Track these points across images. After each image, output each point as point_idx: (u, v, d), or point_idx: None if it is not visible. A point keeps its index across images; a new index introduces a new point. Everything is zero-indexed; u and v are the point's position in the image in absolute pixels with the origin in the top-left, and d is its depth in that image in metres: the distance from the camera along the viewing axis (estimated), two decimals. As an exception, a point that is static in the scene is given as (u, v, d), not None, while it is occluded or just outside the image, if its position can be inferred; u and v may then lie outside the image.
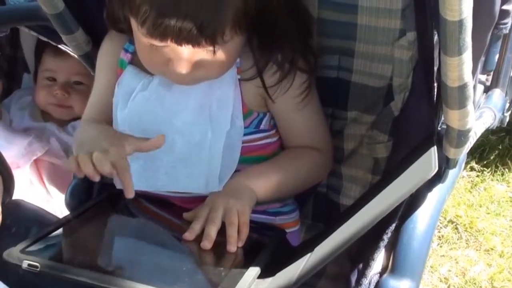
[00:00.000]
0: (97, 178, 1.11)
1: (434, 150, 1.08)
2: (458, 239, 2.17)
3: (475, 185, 2.37)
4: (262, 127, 1.29)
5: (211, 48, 1.12)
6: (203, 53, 1.13)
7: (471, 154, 2.41)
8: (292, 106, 1.25)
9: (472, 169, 2.42)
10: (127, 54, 1.29)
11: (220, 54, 1.14)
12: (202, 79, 1.20)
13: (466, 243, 2.15)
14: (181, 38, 1.09)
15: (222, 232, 1.14)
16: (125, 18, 1.19)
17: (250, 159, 1.28)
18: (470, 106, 1.02)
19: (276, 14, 1.18)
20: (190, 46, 1.11)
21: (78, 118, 1.98)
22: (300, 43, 1.24)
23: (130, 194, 1.13)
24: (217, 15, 1.09)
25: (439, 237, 2.15)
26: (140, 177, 1.23)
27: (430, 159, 1.06)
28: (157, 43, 1.12)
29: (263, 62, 1.21)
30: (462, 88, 0.97)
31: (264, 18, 1.16)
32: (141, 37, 1.15)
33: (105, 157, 1.10)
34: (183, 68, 1.13)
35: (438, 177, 1.19)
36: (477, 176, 2.40)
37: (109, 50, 1.34)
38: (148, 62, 1.21)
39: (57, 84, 2.00)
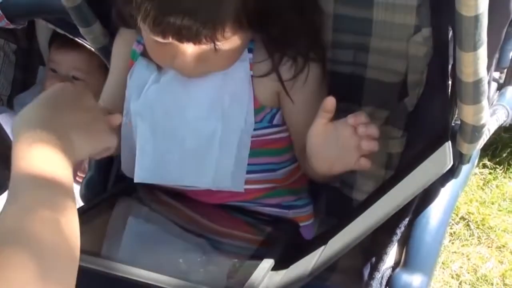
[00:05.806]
0: None
1: (448, 145, 1.09)
2: (470, 236, 2.16)
3: (488, 182, 2.37)
4: (275, 122, 1.29)
5: (212, 44, 1.12)
6: (206, 48, 1.14)
7: (484, 151, 2.41)
8: (307, 100, 1.25)
9: (484, 166, 2.41)
10: (139, 45, 1.30)
11: (224, 49, 1.15)
12: (210, 71, 1.21)
13: (478, 240, 2.15)
14: (181, 35, 1.10)
15: (238, 225, 1.15)
16: (131, 14, 1.20)
17: (261, 152, 1.28)
18: (484, 102, 1.02)
19: (280, 11, 1.18)
20: (191, 43, 1.12)
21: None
22: (310, 38, 1.24)
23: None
24: (216, 12, 1.09)
25: (451, 233, 2.15)
26: (152, 170, 1.24)
27: (444, 154, 1.06)
28: (159, 39, 1.13)
29: (278, 56, 1.22)
30: (477, 83, 0.98)
31: (269, 14, 1.17)
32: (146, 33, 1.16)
33: None
34: (187, 63, 1.15)
35: (451, 173, 1.20)
36: (490, 173, 2.40)
37: (121, 43, 1.36)
38: (156, 56, 1.22)
39: (57, 76, 2.01)
